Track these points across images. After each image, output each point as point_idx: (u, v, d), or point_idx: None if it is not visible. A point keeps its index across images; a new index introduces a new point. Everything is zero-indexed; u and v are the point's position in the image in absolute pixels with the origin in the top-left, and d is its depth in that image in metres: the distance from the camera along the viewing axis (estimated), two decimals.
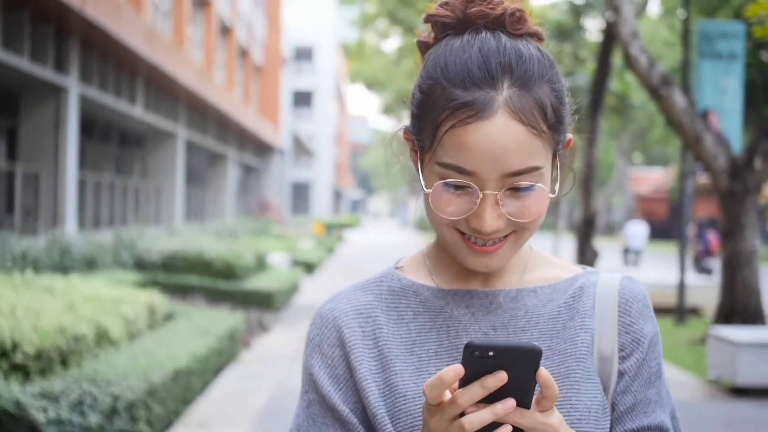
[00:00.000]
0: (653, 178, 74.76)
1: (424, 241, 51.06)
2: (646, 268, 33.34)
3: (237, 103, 38.43)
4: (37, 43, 17.62)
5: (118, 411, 7.21)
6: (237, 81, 42.18)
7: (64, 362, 8.06)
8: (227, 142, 40.21)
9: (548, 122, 1.55)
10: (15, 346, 7.47)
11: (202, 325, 11.44)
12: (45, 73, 17.71)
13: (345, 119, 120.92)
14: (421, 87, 1.63)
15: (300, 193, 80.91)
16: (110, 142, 28.37)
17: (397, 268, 1.80)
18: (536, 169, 1.53)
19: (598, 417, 1.65)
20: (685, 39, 18.70)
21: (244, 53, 45.22)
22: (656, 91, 14.29)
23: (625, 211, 69.39)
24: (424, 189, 1.59)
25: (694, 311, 19.27)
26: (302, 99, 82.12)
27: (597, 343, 1.70)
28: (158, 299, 11.61)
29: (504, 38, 1.59)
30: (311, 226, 51.71)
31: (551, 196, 1.59)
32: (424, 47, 1.72)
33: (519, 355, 1.35)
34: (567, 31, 35.38)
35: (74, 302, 9.40)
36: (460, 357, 1.54)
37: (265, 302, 16.95)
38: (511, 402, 1.36)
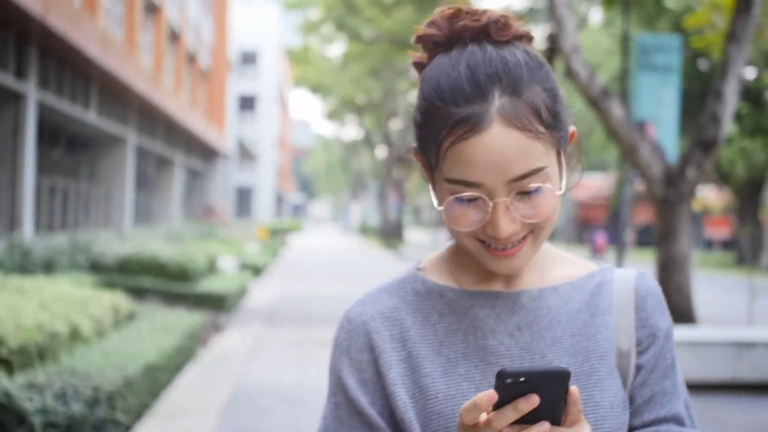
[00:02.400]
0: (593, 185, 75.79)
1: (367, 245, 51.78)
2: None
3: (185, 108, 38.81)
4: None
5: (99, 401, 7.77)
6: (185, 86, 42.55)
7: (42, 357, 8.60)
8: (175, 147, 40.56)
9: (544, 123, 1.58)
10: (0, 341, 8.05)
11: (164, 324, 12.00)
12: (6, 80, 18.14)
13: (287, 124, 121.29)
14: (420, 109, 1.65)
15: (243, 197, 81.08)
16: (63, 147, 28.69)
17: (419, 269, 1.82)
18: (540, 170, 1.56)
19: (620, 412, 1.69)
20: (625, 51, 19.52)
21: (191, 58, 45.58)
22: (596, 103, 14.92)
23: (566, 217, 70.33)
24: (436, 206, 1.64)
25: None
26: (246, 103, 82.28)
27: (615, 339, 1.74)
28: (121, 300, 12.13)
29: (490, 48, 1.61)
30: (255, 230, 52.11)
31: (558, 192, 1.62)
32: (419, 68, 1.73)
33: (549, 379, 1.40)
34: None
35: (46, 302, 9.92)
36: (488, 358, 1.69)
37: (217, 304, 17.47)
38: (545, 426, 1.42)
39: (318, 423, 1.77)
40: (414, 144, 1.73)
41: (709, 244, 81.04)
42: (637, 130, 15.04)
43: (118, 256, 17.88)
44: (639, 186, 42.12)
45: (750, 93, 48.41)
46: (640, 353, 1.75)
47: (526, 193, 1.57)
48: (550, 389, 1.41)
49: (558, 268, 1.81)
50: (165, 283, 17.49)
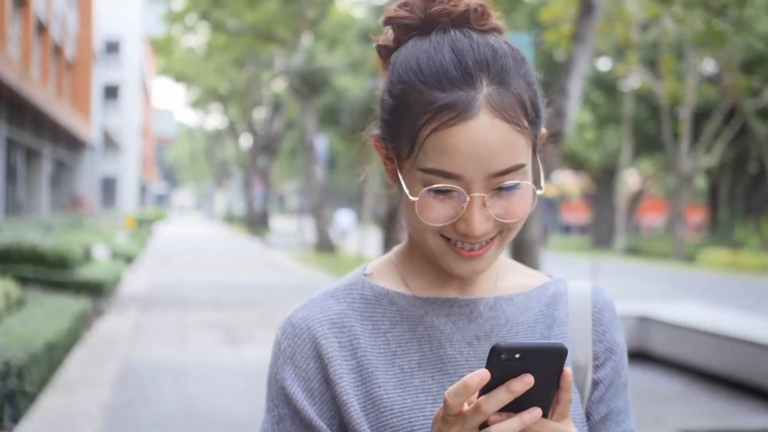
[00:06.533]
0: None
1: (233, 233, 52.29)
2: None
3: (52, 99, 39.02)
4: None
5: (9, 374, 8.72)
6: (51, 77, 42.71)
7: None
8: (43, 138, 40.77)
9: (529, 117, 1.50)
10: None
11: (54, 309, 12.82)
12: None
13: (150, 113, 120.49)
14: (392, 92, 1.56)
15: (108, 187, 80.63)
16: None
17: (365, 275, 1.71)
18: (521, 166, 1.48)
19: (581, 428, 1.62)
20: None
21: (58, 49, 45.67)
22: None
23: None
24: (410, 197, 1.51)
25: None
26: (110, 92, 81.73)
27: (572, 352, 1.66)
28: (11, 287, 12.92)
29: (475, 35, 1.54)
30: (123, 220, 52.36)
31: (539, 192, 1.54)
32: (384, 51, 1.65)
33: (545, 356, 1.29)
34: (372, 35, 37.08)
35: None
36: (445, 368, 1.59)
37: (96, 291, 18.15)
38: (537, 411, 1.31)
39: None
40: (376, 130, 1.64)
41: (567, 229, 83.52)
42: None
43: None
44: None
45: (604, 83, 50.44)
46: (596, 368, 1.69)
47: (500, 190, 1.50)
48: (545, 369, 1.30)
49: (511, 277, 1.74)
50: (45, 271, 18.15)
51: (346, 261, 32.36)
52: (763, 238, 42.49)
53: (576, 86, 15.40)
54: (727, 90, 39.97)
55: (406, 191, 1.53)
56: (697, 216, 68.23)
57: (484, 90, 1.46)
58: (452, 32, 1.54)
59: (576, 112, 15.65)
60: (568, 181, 67.81)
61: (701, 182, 61.27)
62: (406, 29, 1.60)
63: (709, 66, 45.75)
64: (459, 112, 1.45)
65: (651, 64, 45.69)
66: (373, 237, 36.10)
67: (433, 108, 1.46)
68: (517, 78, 1.50)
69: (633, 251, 48.60)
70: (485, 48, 1.51)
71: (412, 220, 1.55)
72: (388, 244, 23.15)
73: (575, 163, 52.23)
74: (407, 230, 1.67)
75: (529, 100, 1.51)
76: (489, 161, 1.45)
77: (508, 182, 1.48)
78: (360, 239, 32.94)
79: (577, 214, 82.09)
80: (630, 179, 61.76)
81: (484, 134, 1.44)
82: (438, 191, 1.48)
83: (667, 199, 65.65)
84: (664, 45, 43.05)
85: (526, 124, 1.49)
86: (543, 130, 1.58)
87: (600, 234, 57.08)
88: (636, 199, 62.59)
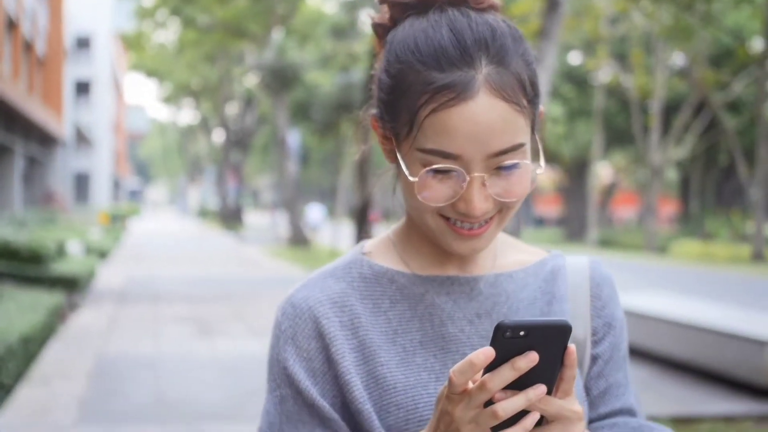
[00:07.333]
0: None
1: (207, 229, 52.15)
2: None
3: (23, 96, 38.95)
4: None
5: None
6: (22, 73, 42.62)
7: None
8: (14, 135, 40.71)
9: (528, 97, 1.50)
10: None
11: (29, 303, 12.96)
12: None
13: (122, 108, 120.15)
14: (389, 72, 1.54)
15: (81, 183, 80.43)
16: None
17: (364, 253, 1.72)
18: (520, 146, 1.48)
19: (581, 402, 1.62)
20: None
21: (28, 45, 45.58)
22: None
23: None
24: (409, 177, 1.51)
25: None
26: (81, 88, 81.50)
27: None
28: None
29: (473, 14, 1.52)
30: (96, 216, 52.27)
31: (538, 171, 1.55)
32: (380, 29, 1.64)
33: (550, 333, 1.29)
34: (342, 30, 37.24)
35: None
36: (447, 346, 1.60)
37: (70, 285, 18.23)
38: (542, 388, 1.30)
39: (260, 420, 1.66)
40: (373, 110, 1.65)
41: (540, 222, 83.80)
42: None
43: None
44: None
45: (575, 77, 50.71)
46: (595, 343, 1.69)
47: (499, 169, 1.49)
48: (549, 346, 1.30)
49: (509, 253, 1.73)
50: (19, 266, 18.22)
51: (319, 255, 32.47)
52: (733, 229, 42.89)
53: (543, 82, 15.55)
54: (696, 83, 40.28)
55: (405, 171, 1.52)
56: (668, 208, 68.79)
57: (483, 70, 1.45)
58: (450, 11, 1.53)
59: (544, 107, 15.83)
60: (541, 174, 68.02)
61: (673, 175, 61.73)
62: (401, 8, 1.59)
63: (678, 59, 46.08)
64: (458, 93, 1.44)
65: (621, 57, 46.06)
66: (346, 231, 36.23)
67: (432, 88, 1.45)
68: (516, 57, 1.50)
69: (606, 243, 48.94)
70: (484, 27, 1.49)
71: (411, 200, 1.54)
72: (360, 237, 23.27)
73: (547, 156, 52.46)
74: (405, 210, 1.67)
75: (528, 79, 1.50)
76: (488, 141, 1.44)
77: (508, 162, 1.47)
78: (333, 233, 33.06)
79: (550, 207, 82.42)
80: (602, 172, 62.14)
81: (484, 114, 1.43)
82: (437, 171, 1.47)
83: (639, 191, 66.11)
84: (633, 39, 43.42)
85: (525, 103, 1.49)
86: (541, 109, 1.58)
87: (573, 226, 57.44)
88: (608, 191, 63.03)
